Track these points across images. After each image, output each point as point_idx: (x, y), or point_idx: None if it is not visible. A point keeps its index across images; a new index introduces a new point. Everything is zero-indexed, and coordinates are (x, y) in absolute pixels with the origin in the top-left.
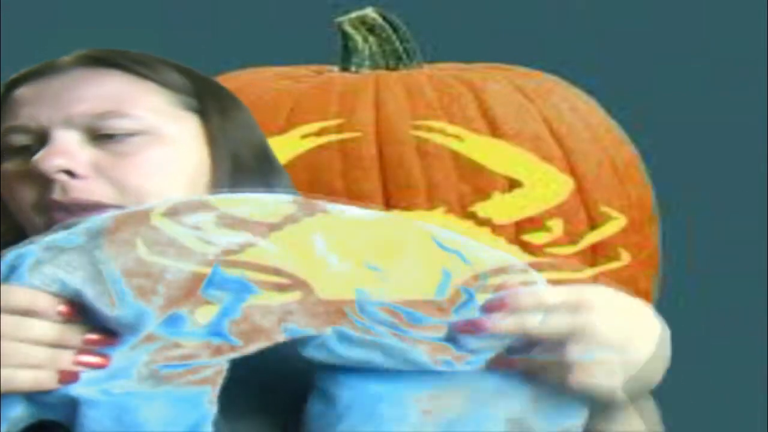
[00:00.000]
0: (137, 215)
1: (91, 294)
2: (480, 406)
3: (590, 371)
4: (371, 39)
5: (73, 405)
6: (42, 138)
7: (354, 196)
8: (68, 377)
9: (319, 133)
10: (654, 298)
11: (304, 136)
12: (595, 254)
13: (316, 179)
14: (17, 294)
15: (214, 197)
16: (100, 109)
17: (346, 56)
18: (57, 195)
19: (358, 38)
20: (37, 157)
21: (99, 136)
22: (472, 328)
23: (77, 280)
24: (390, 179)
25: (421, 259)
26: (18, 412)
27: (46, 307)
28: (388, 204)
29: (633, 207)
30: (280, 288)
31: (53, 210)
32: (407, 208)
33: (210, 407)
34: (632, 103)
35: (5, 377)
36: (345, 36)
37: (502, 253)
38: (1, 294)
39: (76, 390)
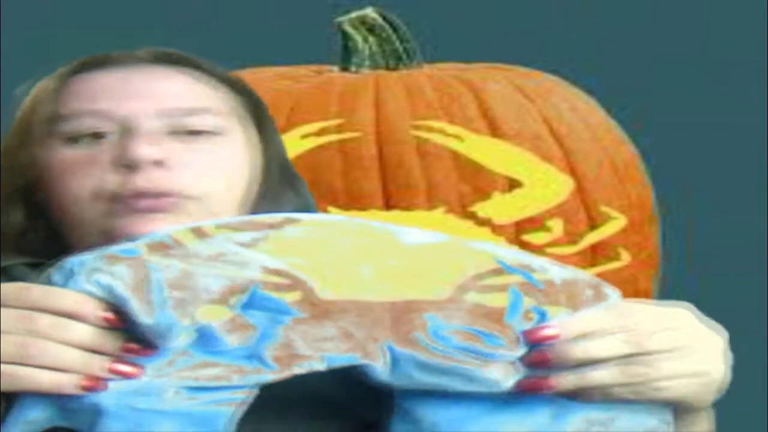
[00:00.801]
0: (195, 231)
1: (134, 302)
2: (562, 421)
3: (674, 385)
4: (371, 39)
5: (95, 414)
6: (124, 127)
7: (354, 196)
8: (93, 384)
9: (319, 133)
10: (654, 298)
11: (304, 136)
12: (595, 254)
13: (316, 179)
14: (66, 297)
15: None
16: (188, 105)
17: (346, 56)
18: (142, 183)
19: (358, 38)
20: (130, 144)
21: (181, 131)
22: (540, 360)
23: (125, 288)
24: (390, 179)
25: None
26: (36, 415)
27: (91, 312)
28: (388, 204)
29: (633, 207)
30: (280, 288)
31: (131, 198)
32: (407, 208)
33: (228, 430)
34: (632, 103)
35: (26, 375)
36: (345, 36)
37: (574, 270)
38: (51, 295)
39: (104, 401)
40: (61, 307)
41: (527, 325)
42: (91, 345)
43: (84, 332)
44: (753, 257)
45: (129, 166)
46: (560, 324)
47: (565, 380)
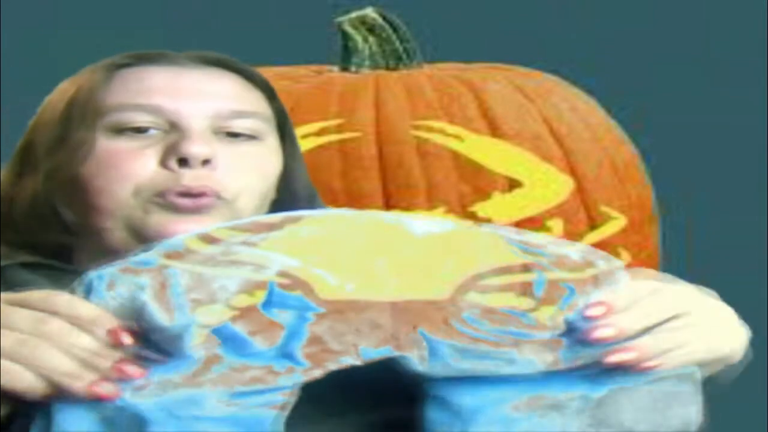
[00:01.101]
0: (203, 237)
1: (153, 307)
2: (597, 394)
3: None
4: (371, 39)
5: (137, 424)
6: (173, 124)
7: (354, 196)
8: (60, 395)
9: (319, 133)
10: None
11: (304, 136)
12: None
13: (316, 179)
14: (84, 307)
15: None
16: (236, 108)
17: (346, 56)
18: (190, 180)
19: (358, 38)
20: (184, 141)
21: (223, 132)
22: (600, 338)
23: (145, 297)
24: (390, 179)
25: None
26: (77, 426)
27: (103, 324)
28: (388, 204)
29: (633, 207)
30: (281, 288)
31: (177, 194)
32: (407, 208)
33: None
34: (632, 103)
35: (8, 372)
36: (345, 36)
37: (581, 244)
38: (73, 303)
39: (145, 410)
40: (76, 315)
41: (561, 302)
42: (87, 357)
43: (86, 342)
44: (753, 257)
45: (180, 162)
46: (605, 302)
47: (647, 347)
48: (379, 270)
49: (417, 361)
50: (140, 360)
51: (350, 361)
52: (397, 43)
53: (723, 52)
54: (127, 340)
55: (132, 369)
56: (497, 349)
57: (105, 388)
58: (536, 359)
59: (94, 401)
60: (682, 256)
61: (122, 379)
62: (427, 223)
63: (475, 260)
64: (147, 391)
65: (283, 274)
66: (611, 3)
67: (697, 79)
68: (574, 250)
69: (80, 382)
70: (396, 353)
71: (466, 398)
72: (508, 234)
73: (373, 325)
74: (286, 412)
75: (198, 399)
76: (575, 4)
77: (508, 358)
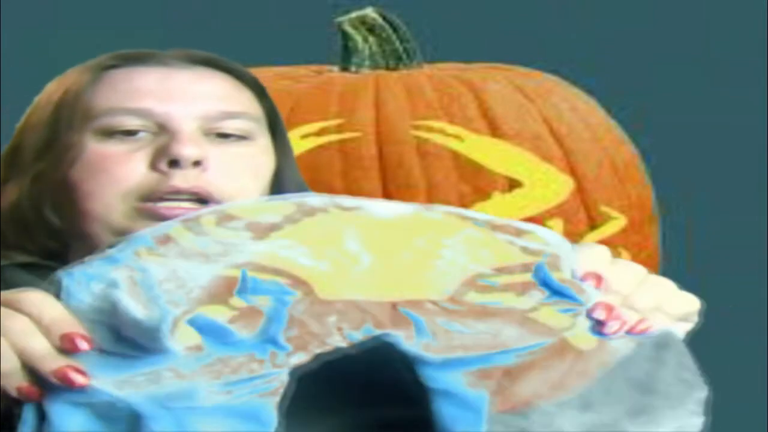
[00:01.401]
0: (189, 227)
1: (127, 301)
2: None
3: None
4: (371, 39)
5: (132, 419)
6: (162, 126)
7: (354, 196)
8: None
9: (319, 133)
10: None
11: (304, 136)
12: None
13: (316, 179)
14: (46, 307)
15: (241, 205)
16: (225, 109)
17: (346, 56)
18: (178, 182)
19: (358, 38)
20: (174, 144)
21: (213, 133)
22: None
23: (119, 293)
24: (390, 179)
25: (471, 243)
26: (75, 424)
27: (61, 328)
28: None
29: (633, 207)
30: (258, 276)
31: (163, 198)
32: None
33: (272, 420)
34: (632, 103)
35: None
36: (345, 36)
37: (553, 233)
38: (41, 304)
39: (137, 405)
40: (38, 316)
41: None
42: (33, 358)
43: (36, 344)
44: (753, 257)
45: (171, 164)
46: (594, 273)
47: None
48: (370, 268)
49: (403, 338)
50: (115, 357)
51: (335, 343)
52: (397, 43)
53: (723, 52)
54: (83, 345)
55: (75, 375)
56: (486, 324)
57: (26, 389)
58: (528, 338)
59: (81, 396)
60: (682, 256)
61: (64, 384)
62: (391, 205)
63: (466, 270)
64: (137, 385)
65: (280, 273)
66: (611, 3)
67: (697, 79)
68: (556, 240)
69: (11, 381)
70: (377, 331)
71: (468, 388)
72: (475, 215)
73: (355, 307)
74: (278, 398)
75: (189, 390)
76: (575, 4)
77: (498, 333)
